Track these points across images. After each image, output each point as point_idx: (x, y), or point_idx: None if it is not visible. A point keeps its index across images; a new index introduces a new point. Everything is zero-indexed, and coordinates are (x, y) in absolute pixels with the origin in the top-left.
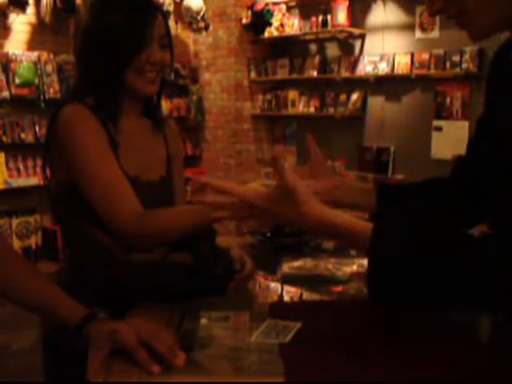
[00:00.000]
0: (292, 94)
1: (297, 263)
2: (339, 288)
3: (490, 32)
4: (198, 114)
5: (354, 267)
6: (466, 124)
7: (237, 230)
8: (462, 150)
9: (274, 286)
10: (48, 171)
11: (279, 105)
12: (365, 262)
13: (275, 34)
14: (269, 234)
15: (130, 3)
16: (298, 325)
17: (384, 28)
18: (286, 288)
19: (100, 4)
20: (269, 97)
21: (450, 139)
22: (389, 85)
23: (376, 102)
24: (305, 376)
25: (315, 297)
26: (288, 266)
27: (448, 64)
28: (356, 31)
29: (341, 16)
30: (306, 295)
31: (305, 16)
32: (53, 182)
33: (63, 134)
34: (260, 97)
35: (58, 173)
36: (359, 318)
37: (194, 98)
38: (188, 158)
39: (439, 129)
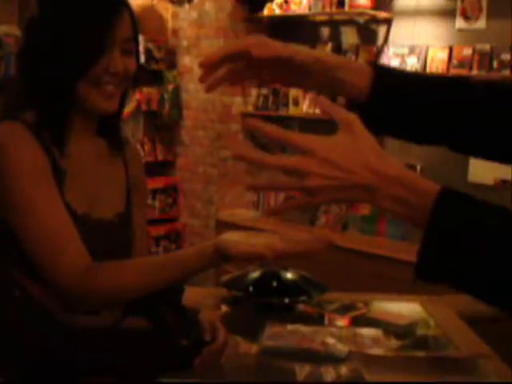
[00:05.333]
0: (295, 90)
1: (284, 330)
2: (333, 367)
3: None
4: (174, 109)
5: (358, 340)
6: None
7: (215, 277)
8: (507, 173)
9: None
10: None
11: (278, 102)
12: (365, 331)
13: (277, 11)
14: (251, 289)
15: None
16: None
17: (416, 13)
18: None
19: None
20: (265, 92)
21: None
22: None
23: None
24: None
25: (306, 370)
26: (272, 334)
27: (495, 64)
28: (380, 15)
29: None
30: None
31: None
32: None
33: None
34: (254, 91)
35: None
36: None
37: (170, 87)
38: (158, 165)
39: None
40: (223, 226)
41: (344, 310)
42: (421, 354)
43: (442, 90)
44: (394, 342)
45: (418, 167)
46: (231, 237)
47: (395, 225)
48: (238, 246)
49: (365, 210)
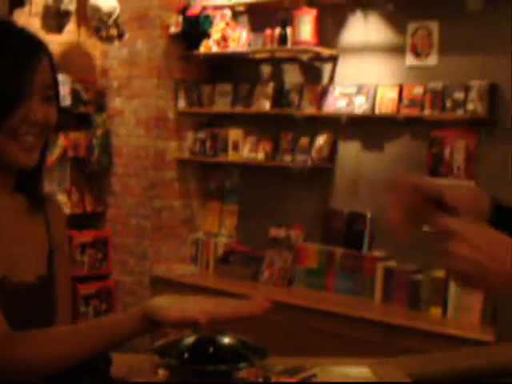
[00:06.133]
0: (234, 134)
1: None
2: None
3: None
4: (104, 156)
5: None
6: (470, 184)
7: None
8: None
9: None
10: None
11: (216, 147)
12: None
13: (214, 49)
14: (185, 356)
15: (3, 40)
16: None
17: (363, 49)
18: None
19: None
20: (202, 136)
21: None
22: (367, 127)
23: (349, 151)
24: None
25: None
26: None
27: (448, 103)
28: (325, 52)
29: (305, 30)
30: None
31: (256, 27)
32: None
33: None
34: (190, 135)
35: None
36: None
37: (99, 132)
38: (87, 217)
39: None
40: (159, 282)
41: (292, 371)
42: None
43: None
44: None
45: (369, 214)
46: (161, 301)
47: (344, 278)
48: (167, 311)
49: (311, 262)
